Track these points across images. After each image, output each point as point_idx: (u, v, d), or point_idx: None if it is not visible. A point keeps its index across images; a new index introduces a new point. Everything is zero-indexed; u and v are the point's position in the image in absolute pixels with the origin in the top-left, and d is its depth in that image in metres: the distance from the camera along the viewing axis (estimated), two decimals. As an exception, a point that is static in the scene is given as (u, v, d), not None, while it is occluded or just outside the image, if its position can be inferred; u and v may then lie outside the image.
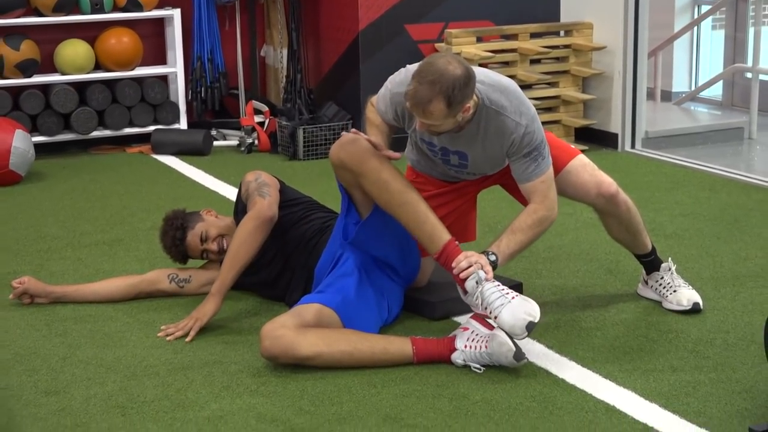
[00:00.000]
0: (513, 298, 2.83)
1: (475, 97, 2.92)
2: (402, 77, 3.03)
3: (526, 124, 2.98)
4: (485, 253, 2.95)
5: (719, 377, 2.80)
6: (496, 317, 2.82)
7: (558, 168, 3.20)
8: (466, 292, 2.90)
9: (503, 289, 2.86)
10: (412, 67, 2.95)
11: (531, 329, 2.81)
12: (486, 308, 2.84)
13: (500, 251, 2.96)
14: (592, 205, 3.28)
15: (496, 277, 3.16)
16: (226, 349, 3.07)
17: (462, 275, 2.88)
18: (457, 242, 2.96)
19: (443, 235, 2.95)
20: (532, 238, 3.03)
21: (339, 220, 3.23)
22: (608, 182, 3.25)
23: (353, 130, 3.07)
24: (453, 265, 2.90)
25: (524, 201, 3.13)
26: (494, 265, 2.94)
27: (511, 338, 2.81)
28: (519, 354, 2.82)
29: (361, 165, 2.97)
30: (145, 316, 3.35)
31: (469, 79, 2.82)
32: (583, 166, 3.25)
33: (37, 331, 3.25)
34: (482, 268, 2.88)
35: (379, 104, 3.15)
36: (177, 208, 3.58)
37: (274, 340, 2.85)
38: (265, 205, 3.26)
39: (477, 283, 2.86)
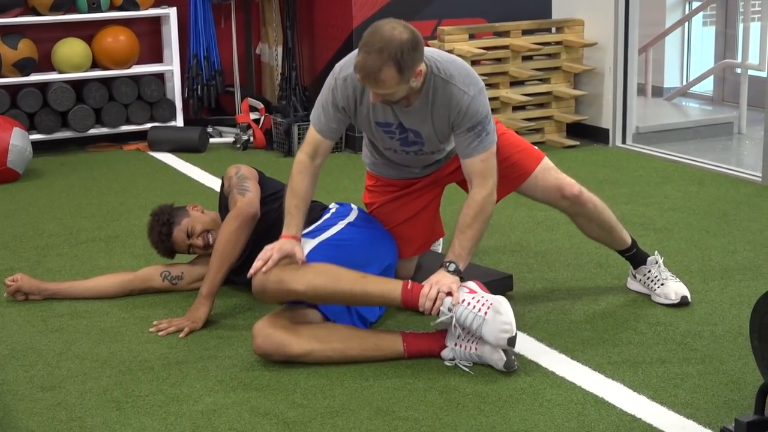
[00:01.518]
0: (485, 313, 2.79)
1: (424, 66, 2.88)
2: (347, 60, 2.97)
3: (474, 95, 2.94)
4: (443, 265, 2.92)
5: (707, 369, 2.82)
6: (480, 337, 2.82)
7: (527, 173, 3.22)
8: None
9: (474, 307, 2.81)
10: (353, 54, 2.92)
11: (513, 343, 2.79)
12: (468, 332, 2.85)
13: (456, 255, 2.93)
14: (559, 207, 3.30)
15: (485, 270, 3.18)
16: (220, 344, 3.09)
17: (432, 314, 2.87)
18: (409, 283, 2.91)
19: (394, 291, 2.89)
20: (480, 229, 2.97)
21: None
22: (570, 183, 3.26)
23: (252, 269, 2.90)
24: (420, 309, 2.88)
25: None
26: (457, 272, 2.91)
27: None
28: (509, 363, 2.82)
29: (286, 299, 2.94)
30: (141, 312, 3.38)
31: (416, 42, 2.79)
32: (548, 170, 3.26)
33: (33, 327, 3.28)
34: (447, 294, 2.84)
35: (317, 120, 3.04)
36: (164, 203, 3.60)
37: (266, 338, 2.87)
38: (245, 202, 3.26)
39: (449, 316, 2.84)
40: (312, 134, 3.05)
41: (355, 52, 2.89)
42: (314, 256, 3.01)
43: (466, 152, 2.98)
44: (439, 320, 2.86)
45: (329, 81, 3.01)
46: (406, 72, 2.78)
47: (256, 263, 2.90)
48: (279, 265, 2.89)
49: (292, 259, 2.91)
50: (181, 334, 3.15)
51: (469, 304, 2.82)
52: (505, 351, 2.82)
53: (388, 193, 3.30)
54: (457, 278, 2.88)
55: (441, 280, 2.87)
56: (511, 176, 3.19)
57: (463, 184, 3.25)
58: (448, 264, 2.92)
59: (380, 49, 2.74)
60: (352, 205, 3.34)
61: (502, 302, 2.82)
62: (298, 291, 2.88)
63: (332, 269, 2.92)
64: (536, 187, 3.24)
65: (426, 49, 2.90)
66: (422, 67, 2.85)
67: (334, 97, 2.99)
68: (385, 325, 3.18)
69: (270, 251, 2.90)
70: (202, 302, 3.23)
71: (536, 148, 3.36)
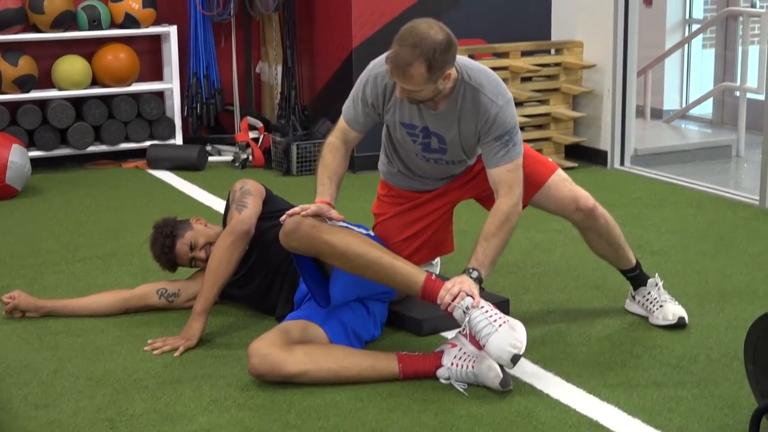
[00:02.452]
0: (500, 325, 2.80)
1: (455, 73, 2.93)
2: (380, 59, 3.02)
3: (502, 105, 2.99)
4: (466, 271, 2.94)
5: (702, 393, 2.82)
6: (483, 346, 2.82)
7: (540, 183, 3.24)
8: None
9: (491, 316, 2.83)
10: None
11: (516, 361, 2.80)
12: (475, 336, 2.85)
13: (480, 263, 2.96)
14: (571, 220, 3.32)
15: (482, 294, 3.17)
16: (215, 363, 3.09)
17: (449, 310, 2.88)
18: (434, 276, 2.93)
19: (418, 278, 2.92)
20: (504, 238, 3.00)
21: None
22: (585, 196, 3.28)
23: (289, 212, 2.97)
24: (438, 302, 2.89)
25: None
26: (479, 280, 2.93)
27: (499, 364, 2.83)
28: (505, 381, 2.82)
29: (313, 247, 2.93)
30: (136, 330, 3.37)
31: (450, 44, 2.84)
32: (562, 181, 3.29)
33: (28, 344, 3.28)
34: (468, 294, 2.86)
35: (347, 114, 3.14)
36: (167, 216, 3.60)
37: (261, 358, 2.86)
38: (239, 219, 3.28)
39: (464, 312, 2.85)
40: (342, 124, 3.15)
41: (385, 54, 2.94)
42: None
43: (492, 162, 3.03)
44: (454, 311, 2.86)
45: (362, 76, 3.09)
46: (435, 72, 2.83)
47: (294, 209, 2.95)
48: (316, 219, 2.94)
49: (322, 219, 2.95)
50: (176, 353, 3.15)
51: (487, 311, 2.84)
52: (502, 368, 2.82)
53: (398, 205, 3.32)
54: (478, 286, 2.91)
55: (465, 281, 2.90)
56: (526, 185, 3.19)
57: (481, 200, 3.32)
58: (471, 270, 2.94)
59: (413, 44, 2.79)
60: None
61: (519, 323, 2.84)
62: (329, 243, 2.90)
63: (366, 237, 2.99)
64: (549, 197, 3.26)
65: (458, 57, 2.95)
66: (452, 71, 2.90)
67: (364, 93, 3.06)
68: (381, 346, 3.18)
69: (307, 206, 2.95)
70: (196, 319, 3.23)
71: (550, 160, 3.38)
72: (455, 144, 3.09)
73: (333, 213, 2.98)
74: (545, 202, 3.28)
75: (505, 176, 3.01)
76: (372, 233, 3.32)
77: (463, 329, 2.87)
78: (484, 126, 3.00)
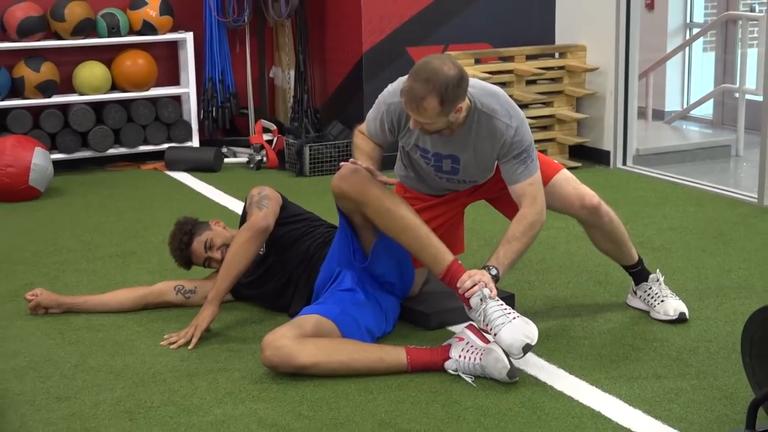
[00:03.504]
0: (514, 318, 2.89)
1: (468, 101, 3.02)
2: (395, 87, 3.12)
3: (516, 126, 3.07)
4: (486, 267, 3.02)
5: (701, 384, 2.86)
6: (495, 335, 2.89)
7: (544, 182, 3.28)
8: (470, 307, 2.98)
9: (506, 308, 2.92)
10: (404, 78, 3.04)
11: (527, 351, 2.87)
12: (487, 324, 2.92)
13: (500, 263, 3.04)
14: (577, 217, 3.38)
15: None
16: (230, 357, 3.15)
17: (467, 294, 2.96)
18: (459, 261, 3.04)
19: (446, 257, 3.03)
20: (526, 244, 3.09)
21: (337, 238, 3.29)
22: (590, 194, 3.35)
23: (351, 159, 3.14)
24: (458, 285, 2.97)
25: (510, 214, 3.22)
26: (496, 278, 3.01)
27: (506, 355, 2.89)
28: (512, 372, 2.89)
29: (363, 195, 3.05)
30: (154, 326, 3.44)
31: (461, 79, 2.92)
32: (567, 180, 3.35)
33: (51, 340, 3.35)
34: (486, 286, 2.95)
35: (368, 126, 3.25)
36: (189, 215, 3.68)
37: (274, 350, 2.93)
38: (260, 216, 3.36)
39: (481, 300, 2.93)
40: (360, 135, 3.28)
41: (400, 80, 3.05)
42: None
43: (513, 178, 3.12)
44: (472, 297, 2.95)
45: (380, 104, 3.19)
46: (447, 105, 2.91)
47: (353, 160, 3.12)
48: None
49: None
50: (191, 346, 3.22)
51: (502, 305, 2.94)
52: (509, 360, 2.88)
53: (413, 206, 3.40)
54: (494, 282, 3.00)
55: (484, 274, 2.99)
56: None
57: (493, 201, 3.41)
58: (490, 267, 3.03)
59: (427, 79, 2.88)
60: None
61: (532, 323, 2.93)
62: (379, 196, 3.04)
63: (410, 207, 3.11)
64: (554, 195, 3.31)
65: (470, 80, 3.02)
66: (464, 104, 2.98)
67: (382, 122, 3.18)
68: (391, 339, 3.23)
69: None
70: (207, 306, 3.30)
71: (555, 162, 3.45)
72: (470, 164, 3.17)
73: (384, 177, 3.10)
74: (551, 200, 3.32)
75: (528, 189, 3.10)
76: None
77: (477, 315, 2.94)
78: (502, 148, 3.09)
